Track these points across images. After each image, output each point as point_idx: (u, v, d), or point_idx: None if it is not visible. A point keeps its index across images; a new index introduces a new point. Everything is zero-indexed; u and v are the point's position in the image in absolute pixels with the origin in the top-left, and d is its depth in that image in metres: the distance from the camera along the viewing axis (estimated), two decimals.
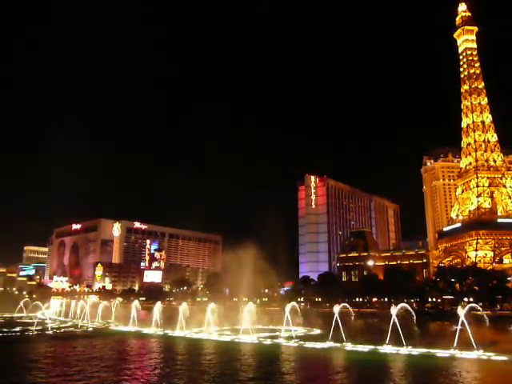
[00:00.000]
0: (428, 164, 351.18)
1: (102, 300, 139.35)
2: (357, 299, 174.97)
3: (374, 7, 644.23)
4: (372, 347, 52.93)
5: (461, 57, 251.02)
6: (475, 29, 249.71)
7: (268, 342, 62.18)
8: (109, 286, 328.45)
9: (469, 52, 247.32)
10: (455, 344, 49.67)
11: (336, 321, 59.31)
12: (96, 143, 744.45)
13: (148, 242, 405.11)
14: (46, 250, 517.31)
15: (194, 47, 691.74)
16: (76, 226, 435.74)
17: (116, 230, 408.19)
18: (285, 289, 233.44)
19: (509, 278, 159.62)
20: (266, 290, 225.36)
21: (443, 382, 38.73)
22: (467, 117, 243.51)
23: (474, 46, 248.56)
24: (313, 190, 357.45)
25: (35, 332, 73.24)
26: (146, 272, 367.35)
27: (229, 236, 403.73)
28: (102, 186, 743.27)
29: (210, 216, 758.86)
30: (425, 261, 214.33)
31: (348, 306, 67.26)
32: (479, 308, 67.37)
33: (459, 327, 50.64)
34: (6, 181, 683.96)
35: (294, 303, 70.63)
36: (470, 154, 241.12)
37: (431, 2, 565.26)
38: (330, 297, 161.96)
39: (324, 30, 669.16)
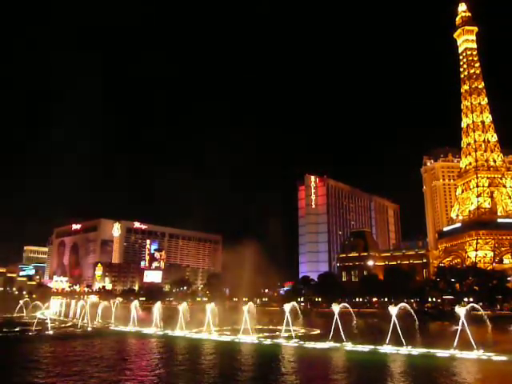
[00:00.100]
0: (428, 164, 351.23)
1: (101, 300, 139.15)
2: (357, 299, 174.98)
3: (374, 7, 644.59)
4: (372, 347, 52.94)
5: (461, 57, 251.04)
6: (475, 29, 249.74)
7: (268, 341, 62.19)
8: (109, 286, 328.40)
9: (469, 52, 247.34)
10: (455, 344, 49.67)
11: (336, 321, 59.28)
12: (96, 143, 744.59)
13: (148, 242, 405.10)
14: (45, 249, 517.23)
15: (194, 47, 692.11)
16: (76, 226, 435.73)
17: (116, 230, 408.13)
18: (285, 289, 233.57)
19: (509, 278, 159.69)
20: (266, 290, 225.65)
21: (443, 382, 38.72)
22: (467, 117, 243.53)
23: (474, 46, 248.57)
24: (313, 190, 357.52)
25: (35, 332, 73.21)
26: (145, 272, 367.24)
27: (229, 236, 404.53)
28: (102, 186, 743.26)
29: (210, 216, 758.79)
30: (425, 261, 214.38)
31: (348, 305, 67.18)
32: (478, 308, 67.41)
33: (459, 327, 50.63)
34: (6, 181, 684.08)
35: (293, 303, 70.59)
36: (469, 154, 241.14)
37: (431, 2, 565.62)
38: (330, 297, 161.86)
39: (324, 29, 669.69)
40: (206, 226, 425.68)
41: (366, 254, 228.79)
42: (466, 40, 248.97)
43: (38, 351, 55.26)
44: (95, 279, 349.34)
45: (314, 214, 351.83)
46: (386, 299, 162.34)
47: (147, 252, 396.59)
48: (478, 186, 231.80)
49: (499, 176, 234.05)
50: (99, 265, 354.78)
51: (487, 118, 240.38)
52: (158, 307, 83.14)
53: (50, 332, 74.22)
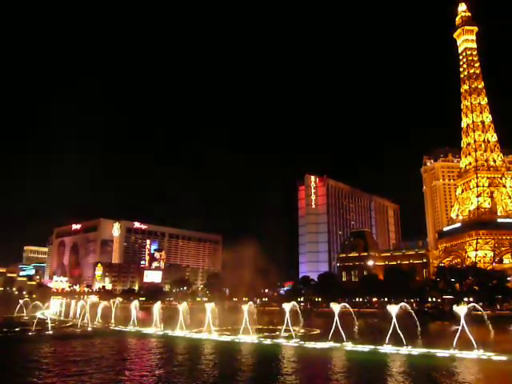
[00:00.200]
0: (428, 164, 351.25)
1: (101, 300, 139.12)
2: (357, 299, 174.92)
3: (374, 7, 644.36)
4: (372, 347, 52.92)
5: (461, 57, 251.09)
6: (475, 29, 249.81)
7: (268, 341, 62.16)
8: (109, 286, 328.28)
9: (469, 52, 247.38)
10: (455, 344, 49.66)
11: (336, 320, 59.24)
12: (96, 143, 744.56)
13: (148, 242, 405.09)
14: (45, 250, 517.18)
15: (194, 47, 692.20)
16: (76, 226, 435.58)
17: (116, 230, 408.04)
18: (285, 289, 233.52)
19: (509, 278, 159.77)
20: (266, 290, 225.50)
21: (443, 381, 38.72)
22: (467, 117, 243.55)
23: (474, 45, 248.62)
24: (313, 190, 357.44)
25: (35, 332, 73.17)
26: (145, 272, 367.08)
27: (229, 236, 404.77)
28: (102, 186, 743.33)
29: (210, 216, 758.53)
30: (425, 261, 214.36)
31: (348, 305, 67.11)
32: (478, 307, 67.32)
33: (459, 327, 50.62)
34: (6, 181, 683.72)
35: (293, 303, 70.52)
36: (469, 153, 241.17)
37: (431, 2, 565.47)
38: (330, 297, 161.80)
39: (324, 29, 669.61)
40: (206, 226, 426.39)
41: (365, 254, 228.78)
42: (465, 40, 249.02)
43: (38, 351, 55.23)
44: (95, 279, 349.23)
45: (314, 214, 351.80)
46: (385, 299, 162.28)
47: (147, 252, 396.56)
48: (477, 186, 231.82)
49: (499, 176, 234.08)
50: (99, 265, 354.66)
51: (487, 117, 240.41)
52: (157, 307, 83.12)
53: (50, 332, 74.18)
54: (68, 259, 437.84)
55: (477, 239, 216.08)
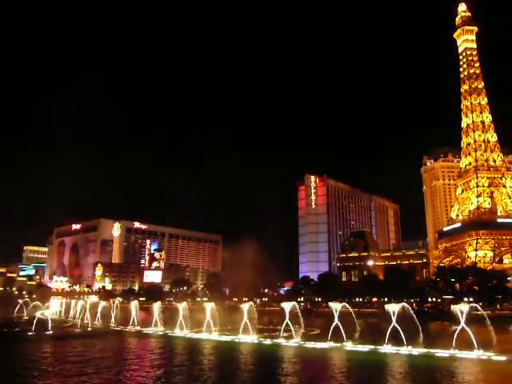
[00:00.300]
0: (428, 164, 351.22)
1: (101, 300, 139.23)
2: (357, 299, 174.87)
3: (375, 7, 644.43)
4: (372, 347, 52.92)
5: (461, 57, 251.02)
6: (475, 29, 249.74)
7: (268, 341, 62.16)
8: (109, 286, 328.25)
9: (469, 52, 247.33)
10: (455, 344, 49.66)
11: (336, 320, 59.23)
12: (96, 143, 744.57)
13: (148, 242, 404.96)
14: (45, 250, 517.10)
15: (194, 47, 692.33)
16: (76, 226, 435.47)
17: (116, 229, 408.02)
18: (285, 289, 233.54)
19: (509, 278, 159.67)
20: (266, 290, 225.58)
21: (443, 382, 38.74)
22: (467, 117, 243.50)
23: (474, 46, 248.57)
24: (313, 190, 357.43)
25: (35, 332, 73.18)
26: (145, 272, 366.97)
27: (229, 236, 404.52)
28: (102, 186, 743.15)
29: (210, 216, 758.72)
30: (425, 261, 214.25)
31: (348, 305, 67.12)
32: (477, 307, 67.32)
33: (459, 327, 50.62)
34: (6, 181, 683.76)
35: (293, 303, 70.47)
36: (469, 153, 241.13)
37: (431, 2, 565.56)
38: (330, 297, 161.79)
39: (324, 29, 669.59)
40: (206, 226, 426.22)
41: (366, 254, 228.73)
42: (465, 40, 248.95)
43: (38, 351, 55.26)
44: (95, 279, 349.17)
45: (314, 214, 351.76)
46: (386, 299, 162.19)
47: (147, 252, 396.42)
48: (477, 186, 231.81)
49: (499, 176, 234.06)
50: (99, 265, 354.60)
51: (487, 117, 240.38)
52: (157, 307, 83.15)
53: (50, 332, 74.21)
54: (68, 259, 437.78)
55: (477, 239, 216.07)
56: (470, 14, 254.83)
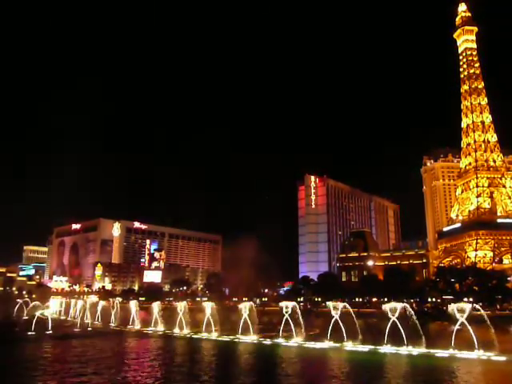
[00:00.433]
0: (428, 164, 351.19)
1: (101, 300, 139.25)
2: (357, 299, 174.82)
3: (375, 7, 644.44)
4: (371, 347, 52.93)
5: (461, 57, 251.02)
6: (475, 29, 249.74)
7: (268, 341, 62.16)
8: (108, 286, 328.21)
9: (469, 52, 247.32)
10: (455, 344, 49.66)
11: (335, 321, 59.24)
12: (96, 143, 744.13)
13: (148, 241, 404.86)
14: (45, 249, 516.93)
15: (194, 47, 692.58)
16: (76, 226, 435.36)
17: (116, 229, 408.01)
18: (285, 289, 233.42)
19: (508, 278, 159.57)
20: (266, 290, 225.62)
21: (443, 381, 38.74)
22: (467, 117, 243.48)
23: (474, 46, 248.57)
24: (313, 190, 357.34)
25: (35, 332, 73.18)
26: (145, 272, 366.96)
27: (229, 236, 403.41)
28: (102, 186, 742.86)
29: (210, 216, 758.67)
30: (425, 261, 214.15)
31: (348, 305, 67.16)
32: (478, 307, 67.18)
33: (456, 325, 50.60)
34: (6, 181, 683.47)
35: (293, 302, 70.47)
36: (469, 154, 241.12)
37: (431, 2, 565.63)
38: (330, 297, 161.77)
39: (324, 29, 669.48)
40: (206, 226, 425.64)
41: (365, 254, 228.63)
42: (465, 40, 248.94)
43: (38, 351, 55.27)
44: (95, 279, 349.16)
45: (314, 214, 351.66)
46: (385, 299, 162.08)
47: (147, 252, 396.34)
48: (477, 186, 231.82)
49: (499, 176, 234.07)
50: (99, 265, 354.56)
51: (487, 118, 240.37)
52: (156, 307, 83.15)
53: (50, 332, 74.22)
54: (68, 259, 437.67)
55: (476, 239, 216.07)
56: (470, 14, 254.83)
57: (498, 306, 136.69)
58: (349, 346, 55.06)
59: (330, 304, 62.67)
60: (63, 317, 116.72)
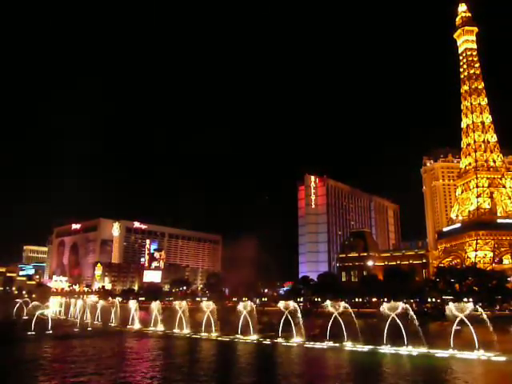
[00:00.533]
0: (428, 164, 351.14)
1: (101, 300, 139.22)
2: (356, 299, 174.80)
3: (375, 8, 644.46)
4: (371, 347, 52.92)
5: (461, 57, 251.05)
6: (475, 29, 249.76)
7: (267, 341, 62.16)
8: (108, 286, 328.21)
9: (469, 52, 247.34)
10: (455, 344, 49.65)
11: (335, 320, 59.25)
12: (96, 143, 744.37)
13: (148, 241, 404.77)
14: (45, 249, 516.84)
15: (194, 47, 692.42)
16: (76, 226, 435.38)
17: (116, 229, 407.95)
18: (284, 289, 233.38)
19: (508, 279, 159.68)
20: (266, 290, 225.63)
21: (443, 381, 38.73)
22: (467, 117, 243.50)
23: (474, 46, 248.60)
24: (313, 190, 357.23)
25: (35, 332, 73.15)
26: (145, 272, 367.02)
27: (229, 236, 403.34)
28: (102, 186, 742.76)
29: (210, 216, 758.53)
30: (424, 261, 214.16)
31: (348, 305, 67.19)
32: (477, 307, 67.13)
33: (457, 327, 50.59)
34: (6, 181, 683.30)
35: (292, 302, 70.44)
36: (469, 154, 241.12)
37: (431, 2, 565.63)
38: (330, 297, 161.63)
39: (324, 29, 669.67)
40: (206, 226, 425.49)
41: (365, 254, 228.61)
42: (465, 40, 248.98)
43: (38, 351, 55.25)
44: (95, 279, 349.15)
45: (314, 214, 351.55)
46: (385, 299, 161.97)
47: (147, 252, 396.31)
48: (477, 187, 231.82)
49: (499, 176, 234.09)
50: (99, 265, 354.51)
51: (487, 118, 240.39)
52: (156, 306, 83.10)
53: (50, 332, 74.19)
54: (68, 259, 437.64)
55: (476, 240, 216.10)
56: (470, 15, 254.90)
57: (498, 306, 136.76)
58: (349, 345, 55.05)
59: (328, 303, 62.66)
60: (63, 317, 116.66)
